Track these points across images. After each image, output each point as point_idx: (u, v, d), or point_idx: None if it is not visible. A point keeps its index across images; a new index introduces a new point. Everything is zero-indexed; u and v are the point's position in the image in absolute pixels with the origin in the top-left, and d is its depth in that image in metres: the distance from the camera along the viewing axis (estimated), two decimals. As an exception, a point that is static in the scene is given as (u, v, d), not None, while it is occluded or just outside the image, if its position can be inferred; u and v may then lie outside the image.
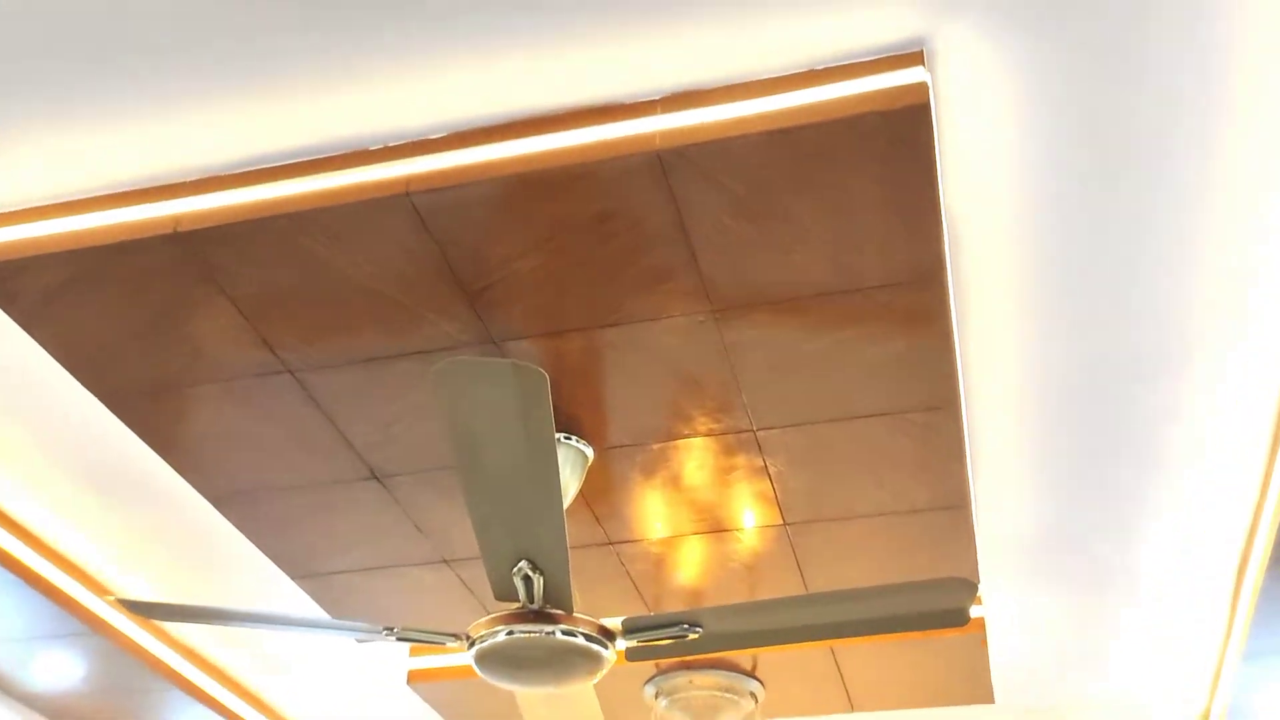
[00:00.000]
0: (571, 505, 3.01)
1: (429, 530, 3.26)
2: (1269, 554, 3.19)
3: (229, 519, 3.24)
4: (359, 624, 2.63)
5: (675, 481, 3.07)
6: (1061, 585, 3.58)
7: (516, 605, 2.45)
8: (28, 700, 4.09)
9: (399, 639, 2.62)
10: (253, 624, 2.66)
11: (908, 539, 3.22)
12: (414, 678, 3.96)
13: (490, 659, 2.52)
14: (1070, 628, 3.80)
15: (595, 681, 2.63)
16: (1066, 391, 2.87)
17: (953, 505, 3.08)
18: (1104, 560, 3.46)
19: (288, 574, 3.46)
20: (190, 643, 3.99)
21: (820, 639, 2.72)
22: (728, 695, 3.87)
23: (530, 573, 2.35)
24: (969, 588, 2.44)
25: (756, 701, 3.93)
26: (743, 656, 3.77)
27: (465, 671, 3.62)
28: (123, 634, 3.76)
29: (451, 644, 2.62)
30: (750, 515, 3.19)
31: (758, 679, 3.89)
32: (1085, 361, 2.78)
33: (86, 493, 3.32)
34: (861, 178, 2.25)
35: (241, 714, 4.21)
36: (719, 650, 2.68)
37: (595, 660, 2.53)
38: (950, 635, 3.61)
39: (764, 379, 2.72)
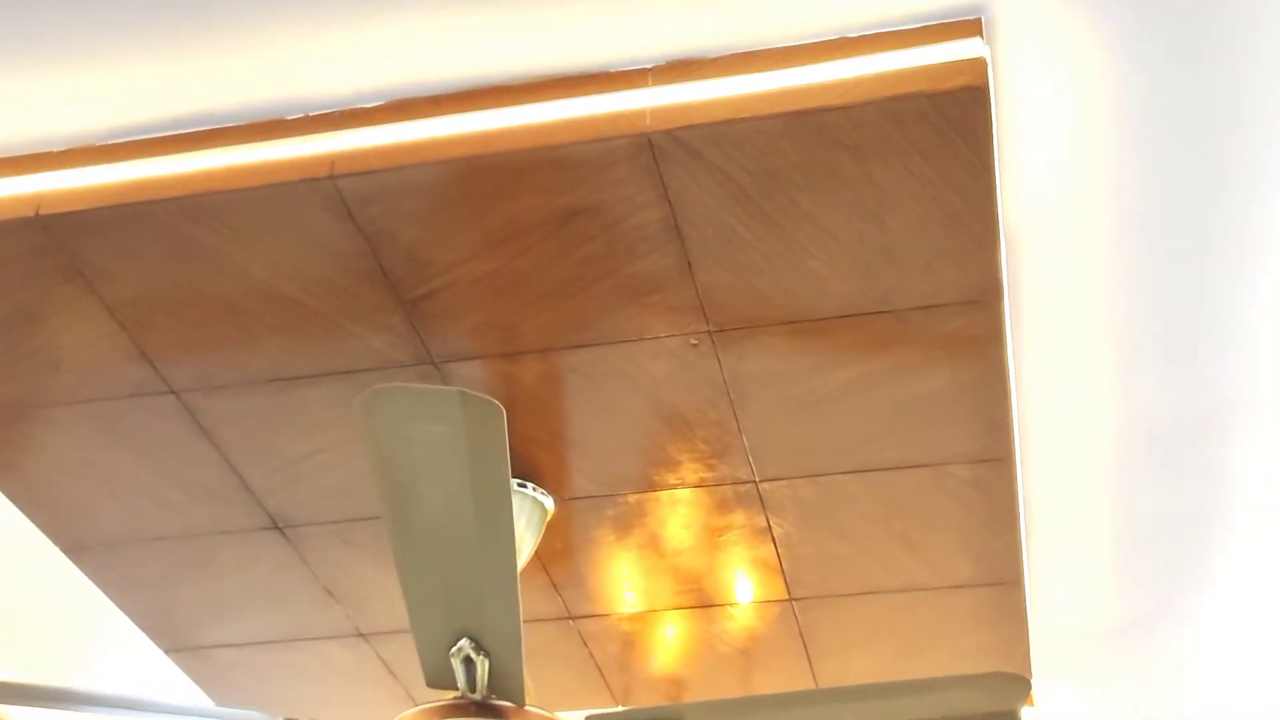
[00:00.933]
0: (524, 569, 3.02)
1: (343, 596, 3.28)
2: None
3: (86, 574, 3.25)
4: (248, 712, 2.65)
5: (654, 543, 3.11)
6: (1131, 683, 3.62)
7: (454, 694, 2.46)
8: None
9: (301, 734, 2.66)
10: (108, 709, 2.67)
11: (944, 622, 3.27)
12: (314, 782, 3.96)
13: (418, 761, 2.54)
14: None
15: (549, 792, 2.67)
16: (1148, 446, 2.90)
17: (1001, 581, 3.13)
18: (1183, 654, 3.50)
19: (159, 646, 3.47)
20: (27, 731, 3.97)
21: (832, 745, 2.75)
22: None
23: (473, 654, 2.38)
24: (1020, 685, 2.48)
25: (749, 822, 3.94)
26: (733, 764, 3.79)
27: (382, 775, 3.63)
28: (-59, 718, 3.73)
29: (368, 741, 2.65)
30: (748, 587, 3.22)
31: (751, 793, 3.90)
32: (1172, 410, 2.81)
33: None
34: (900, 174, 2.29)
35: (89, 823, 4.18)
36: (705, 757, 2.71)
37: (550, 766, 2.57)
38: (995, 743, 3.65)
39: (771, 418, 2.76)
